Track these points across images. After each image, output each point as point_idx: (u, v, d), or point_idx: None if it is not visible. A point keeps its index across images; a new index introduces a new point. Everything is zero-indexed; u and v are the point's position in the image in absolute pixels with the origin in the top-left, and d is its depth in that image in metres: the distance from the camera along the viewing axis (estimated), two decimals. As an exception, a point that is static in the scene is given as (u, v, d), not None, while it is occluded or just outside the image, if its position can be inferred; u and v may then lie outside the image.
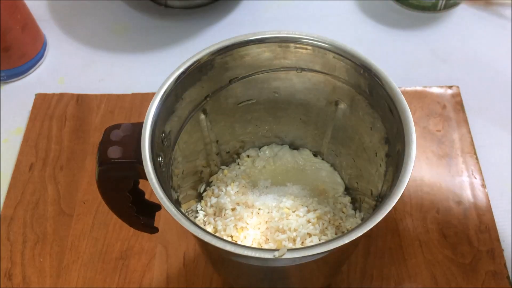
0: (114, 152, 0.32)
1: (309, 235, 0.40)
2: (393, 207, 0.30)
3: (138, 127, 0.33)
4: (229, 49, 0.38)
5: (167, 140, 0.36)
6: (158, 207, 0.40)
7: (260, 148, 0.49)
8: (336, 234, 0.42)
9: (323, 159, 0.48)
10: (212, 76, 0.39)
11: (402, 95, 0.34)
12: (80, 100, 0.59)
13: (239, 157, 0.48)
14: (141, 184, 0.37)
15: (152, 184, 0.31)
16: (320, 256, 0.29)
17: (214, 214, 0.43)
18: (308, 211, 0.41)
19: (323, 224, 0.41)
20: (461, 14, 0.67)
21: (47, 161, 0.54)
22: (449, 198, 0.51)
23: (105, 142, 0.33)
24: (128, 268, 0.48)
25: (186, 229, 0.29)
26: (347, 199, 0.46)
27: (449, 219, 0.50)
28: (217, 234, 0.40)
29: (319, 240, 0.40)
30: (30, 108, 0.59)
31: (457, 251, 0.48)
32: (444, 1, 0.65)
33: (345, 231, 0.42)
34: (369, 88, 0.36)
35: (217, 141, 0.45)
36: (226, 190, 0.44)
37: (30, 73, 0.63)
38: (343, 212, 0.44)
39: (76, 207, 0.51)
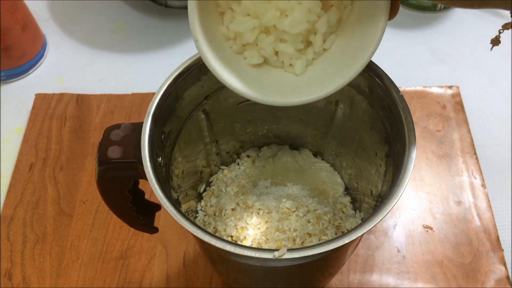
0: (114, 152, 0.32)
1: (309, 235, 0.40)
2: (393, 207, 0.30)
3: (138, 127, 0.33)
4: (229, 49, 0.37)
5: (167, 140, 0.36)
6: (158, 207, 0.40)
7: (260, 148, 0.49)
8: (336, 234, 0.42)
9: (323, 159, 0.48)
10: (212, 76, 0.38)
11: (402, 95, 0.34)
12: (80, 100, 0.59)
13: (239, 157, 0.48)
14: (141, 184, 0.37)
15: (152, 184, 0.31)
16: (320, 256, 0.29)
17: (214, 214, 0.43)
18: (308, 211, 0.41)
19: (323, 224, 0.41)
20: (461, 14, 0.67)
21: (47, 161, 0.54)
22: (449, 198, 0.51)
23: (105, 142, 0.33)
24: (128, 268, 0.48)
25: (186, 229, 0.29)
26: (347, 199, 0.46)
27: (449, 219, 0.50)
28: (217, 234, 0.40)
29: (319, 240, 0.40)
30: (30, 108, 0.59)
31: (457, 251, 0.48)
32: (444, 1, 0.65)
33: (345, 231, 0.42)
34: (369, 88, 0.36)
35: (217, 141, 0.45)
36: (226, 190, 0.44)
37: (30, 73, 0.63)
38: (343, 212, 0.44)
39: (76, 207, 0.51)
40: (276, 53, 0.32)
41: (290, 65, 0.32)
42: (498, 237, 0.48)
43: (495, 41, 0.30)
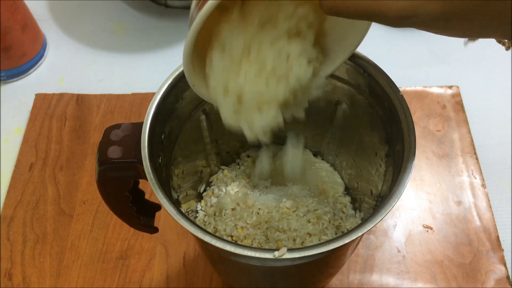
0: (114, 152, 0.32)
1: (309, 235, 0.40)
2: (393, 207, 0.30)
3: (138, 127, 0.33)
4: (229, 49, 0.37)
5: (167, 140, 0.36)
6: (158, 207, 0.40)
7: (260, 148, 0.49)
8: (336, 234, 0.42)
9: (323, 159, 0.48)
10: (212, 76, 0.38)
11: (402, 95, 0.34)
12: (80, 100, 0.59)
13: (239, 157, 0.48)
14: (141, 184, 0.37)
15: (152, 184, 0.31)
16: (320, 256, 0.29)
17: (214, 214, 0.43)
18: (308, 211, 0.41)
19: (323, 224, 0.41)
20: (461, 14, 0.66)
21: (47, 161, 0.54)
22: (449, 198, 0.51)
23: (105, 142, 0.33)
24: (128, 268, 0.48)
25: (186, 229, 0.29)
26: (347, 199, 0.46)
27: (449, 219, 0.50)
28: (217, 234, 0.40)
29: (319, 240, 0.40)
30: (30, 108, 0.59)
31: (457, 251, 0.48)
32: (444, 1, 0.65)
33: (345, 231, 0.42)
34: (369, 88, 0.36)
35: (217, 141, 0.45)
36: (226, 190, 0.44)
37: (30, 73, 0.63)
38: (343, 212, 0.44)
39: (76, 207, 0.51)
40: None
41: None
42: (498, 237, 0.48)
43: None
